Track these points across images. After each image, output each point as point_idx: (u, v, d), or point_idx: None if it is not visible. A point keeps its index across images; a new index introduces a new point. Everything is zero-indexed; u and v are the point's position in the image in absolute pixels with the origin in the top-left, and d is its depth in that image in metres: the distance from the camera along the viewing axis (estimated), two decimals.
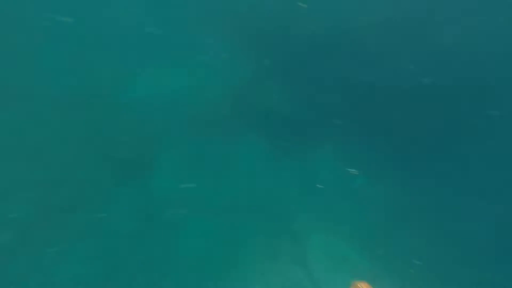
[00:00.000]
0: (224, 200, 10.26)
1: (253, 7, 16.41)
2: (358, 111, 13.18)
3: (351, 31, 15.66)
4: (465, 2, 16.96)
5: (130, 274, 7.96)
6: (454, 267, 9.31)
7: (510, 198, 11.02)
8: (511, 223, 10.39)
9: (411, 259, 9.44)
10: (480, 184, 11.44)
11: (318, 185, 11.24)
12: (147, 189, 9.65)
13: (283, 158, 11.95)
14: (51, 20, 13.45)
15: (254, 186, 10.99)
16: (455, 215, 10.68)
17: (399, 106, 13.49)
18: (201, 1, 16.51)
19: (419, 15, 16.37)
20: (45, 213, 8.61)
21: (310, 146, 12.50)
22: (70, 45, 13.39)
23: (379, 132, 12.75)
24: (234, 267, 8.50)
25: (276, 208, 10.49)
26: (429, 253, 9.65)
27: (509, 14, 16.39)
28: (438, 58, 14.93)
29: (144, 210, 9.15)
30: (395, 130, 12.96)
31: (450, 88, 14.01)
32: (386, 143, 12.52)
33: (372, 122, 12.89)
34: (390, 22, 15.92)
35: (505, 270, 9.32)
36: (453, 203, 10.95)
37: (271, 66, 14.64)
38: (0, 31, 13.09)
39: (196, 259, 8.61)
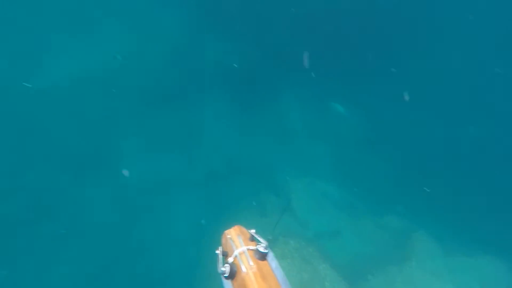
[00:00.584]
0: (199, 171, 10.10)
1: None
2: (317, 46, 12.71)
3: None
4: None
5: (129, 261, 7.95)
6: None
7: None
8: None
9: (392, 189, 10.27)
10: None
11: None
12: (114, 180, 9.06)
13: (249, 113, 11.66)
14: None
15: (227, 149, 10.84)
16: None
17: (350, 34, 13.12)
18: None
19: None
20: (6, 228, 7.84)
21: (275, 93, 12.19)
22: None
23: (343, 63, 12.57)
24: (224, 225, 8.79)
25: (254, 166, 10.60)
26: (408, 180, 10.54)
27: None
28: None
29: (119, 202, 8.77)
30: (359, 57, 12.78)
31: None
32: (355, 72, 12.48)
33: (335, 54, 12.57)
34: None
35: None
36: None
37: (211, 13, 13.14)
38: None
39: (189, 234, 8.68)
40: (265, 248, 3.04)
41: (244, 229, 3.46)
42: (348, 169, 10.73)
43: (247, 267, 2.85)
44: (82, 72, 10.40)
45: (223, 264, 3.05)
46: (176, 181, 9.61)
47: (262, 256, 3.01)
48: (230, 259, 3.04)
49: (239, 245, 3.11)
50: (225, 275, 2.95)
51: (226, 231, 3.44)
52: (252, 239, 3.27)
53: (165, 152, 10.17)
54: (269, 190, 10.04)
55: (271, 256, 3.08)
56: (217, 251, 3.27)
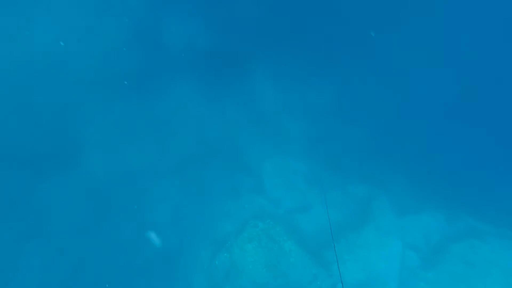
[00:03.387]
0: (172, 158, 10.17)
1: None
2: (283, 24, 12.11)
3: None
4: None
5: (108, 251, 8.25)
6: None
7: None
8: None
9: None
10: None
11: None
12: (79, 174, 8.79)
13: (220, 93, 11.44)
14: None
15: (199, 132, 10.83)
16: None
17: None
18: None
19: None
20: None
21: (248, 72, 11.89)
22: None
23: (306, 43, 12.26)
24: (200, 212, 9.33)
25: (226, 147, 10.81)
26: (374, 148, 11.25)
27: None
28: None
29: (88, 196, 8.66)
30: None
31: None
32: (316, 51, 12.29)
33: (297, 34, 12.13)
34: None
35: None
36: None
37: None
38: None
39: (167, 219, 9.07)
40: None
41: None
42: (320, 143, 11.26)
43: None
44: (35, 58, 9.25)
45: None
46: (148, 171, 9.68)
47: None
48: None
49: None
50: None
51: None
52: None
53: (133, 142, 9.99)
54: (241, 171, 10.50)
55: None
56: None
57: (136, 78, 10.77)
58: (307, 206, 9.90)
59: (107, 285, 7.63)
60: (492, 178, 10.78)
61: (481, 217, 9.83)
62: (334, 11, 12.31)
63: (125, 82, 10.34)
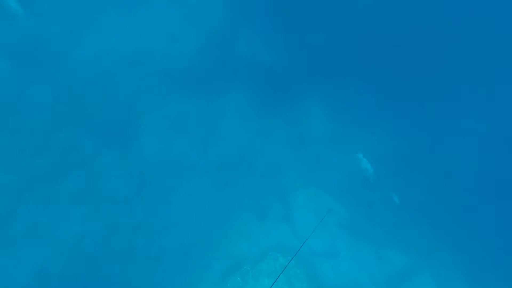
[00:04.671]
0: (210, 160, 9.95)
1: None
2: (351, 55, 11.81)
3: None
4: None
5: (129, 232, 8.25)
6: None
7: None
8: None
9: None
10: None
11: None
12: (132, 153, 9.43)
13: (270, 111, 11.23)
14: None
15: (241, 143, 10.56)
16: None
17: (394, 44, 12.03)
18: None
19: None
20: (31, 182, 8.43)
21: (300, 97, 11.62)
22: None
23: (375, 79, 11.71)
24: (222, 220, 8.76)
25: (263, 165, 10.30)
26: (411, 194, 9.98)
27: None
28: None
29: (133, 174, 9.06)
30: (390, 72, 11.89)
31: None
32: (380, 89, 11.64)
33: (367, 68, 11.69)
34: None
35: None
36: None
37: (246, 10, 12.46)
38: None
39: (189, 217, 8.77)
40: None
41: None
42: (363, 189, 10.24)
43: None
44: (122, 49, 10.96)
45: None
46: (186, 165, 9.62)
47: None
48: None
49: None
50: None
51: None
52: None
53: (182, 136, 10.14)
54: (273, 194, 9.81)
55: None
56: None
57: (200, 79, 11.29)
58: (335, 253, 8.75)
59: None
60: None
61: None
62: (403, 48, 11.69)
63: (187, 82, 11.09)
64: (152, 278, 7.54)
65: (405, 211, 9.99)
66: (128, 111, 10.24)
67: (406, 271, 8.60)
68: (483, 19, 11.48)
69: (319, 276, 7.83)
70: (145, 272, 7.64)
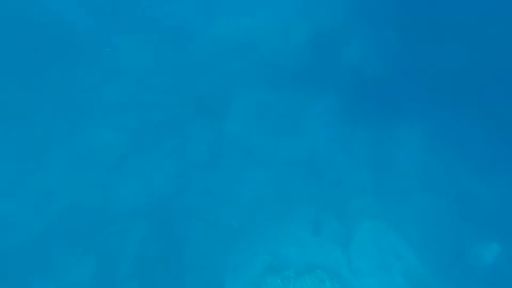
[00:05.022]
0: (282, 157, 9.60)
1: None
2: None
3: None
4: None
5: (198, 195, 8.75)
6: None
7: None
8: None
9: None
10: None
11: None
12: (218, 129, 9.94)
13: (357, 124, 10.17)
14: None
15: (318, 149, 9.88)
16: None
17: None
18: None
19: None
20: (141, 134, 9.67)
21: (397, 118, 10.19)
22: None
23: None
24: (276, 222, 8.42)
25: (333, 177, 9.39)
26: None
27: None
28: None
29: (213, 146, 9.56)
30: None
31: None
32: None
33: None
34: None
35: None
36: None
37: (366, 14, 11.53)
38: None
39: (249, 200, 8.75)
40: None
41: None
42: (444, 240, 8.36)
43: None
44: (243, 33, 11.65)
45: None
46: (261, 151, 9.60)
47: None
48: None
49: None
50: None
51: None
52: None
53: (263, 123, 10.15)
54: (335, 210, 8.84)
55: None
56: None
57: (296, 75, 11.04)
58: None
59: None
60: None
61: None
62: None
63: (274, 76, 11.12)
64: (207, 242, 7.76)
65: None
66: (224, 89, 10.72)
67: None
68: None
69: None
70: (203, 234, 7.88)
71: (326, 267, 7.38)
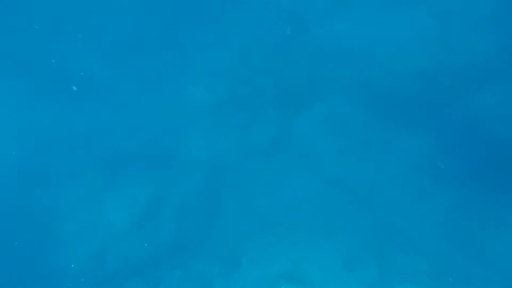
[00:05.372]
0: (342, 177, 8.05)
1: None
2: None
3: None
4: None
5: (249, 177, 8.34)
6: None
7: None
8: None
9: None
10: None
11: None
12: (288, 124, 9.68)
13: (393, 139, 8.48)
14: None
15: (345, 159, 8.45)
16: None
17: None
18: None
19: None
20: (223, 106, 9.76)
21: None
22: None
23: None
24: (307, 240, 7.39)
25: (376, 200, 7.72)
26: None
27: None
28: None
29: (278, 139, 9.17)
30: None
31: None
32: None
33: None
34: None
35: None
36: None
37: None
38: None
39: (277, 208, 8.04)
40: None
41: None
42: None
43: None
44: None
45: None
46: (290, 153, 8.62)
47: None
48: None
49: None
50: None
51: None
52: None
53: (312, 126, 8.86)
54: (374, 244, 7.03)
55: None
56: None
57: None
58: None
59: None
60: None
61: None
62: None
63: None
64: (238, 221, 7.69)
65: None
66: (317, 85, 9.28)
67: None
68: None
69: None
70: (237, 212, 7.81)
71: None
